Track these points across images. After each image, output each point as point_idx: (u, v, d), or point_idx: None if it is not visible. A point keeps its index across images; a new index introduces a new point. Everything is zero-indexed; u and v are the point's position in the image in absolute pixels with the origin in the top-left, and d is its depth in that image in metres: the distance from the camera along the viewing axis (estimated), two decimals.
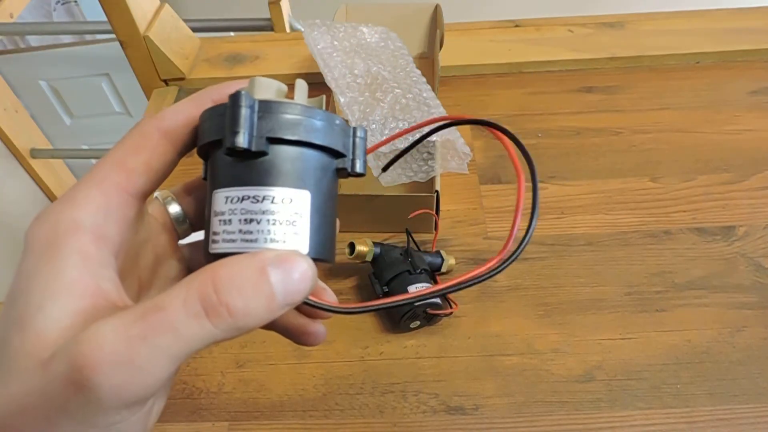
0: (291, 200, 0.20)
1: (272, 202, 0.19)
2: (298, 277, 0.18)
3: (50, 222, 0.19)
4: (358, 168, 0.22)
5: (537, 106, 0.74)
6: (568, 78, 0.78)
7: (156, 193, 0.24)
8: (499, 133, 0.22)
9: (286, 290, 0.18)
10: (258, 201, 0.19)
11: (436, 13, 0.78)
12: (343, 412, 0.49)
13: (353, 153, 0.22)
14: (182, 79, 0.81)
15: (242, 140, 0.19)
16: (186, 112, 0.21)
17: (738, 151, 0.67)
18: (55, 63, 1.39)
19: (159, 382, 0.17)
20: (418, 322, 0.52)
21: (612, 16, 0.85)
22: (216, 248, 0.20)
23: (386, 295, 0.52)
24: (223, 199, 0.20)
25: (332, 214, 0.22)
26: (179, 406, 0.50)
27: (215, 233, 0.20)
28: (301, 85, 0.22)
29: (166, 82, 0.82)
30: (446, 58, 0.78)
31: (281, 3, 1.12)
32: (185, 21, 0.85)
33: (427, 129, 0.25)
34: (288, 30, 1.15)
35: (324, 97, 0.23)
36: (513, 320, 0.53)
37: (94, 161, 1.67)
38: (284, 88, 0.22)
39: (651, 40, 0.80)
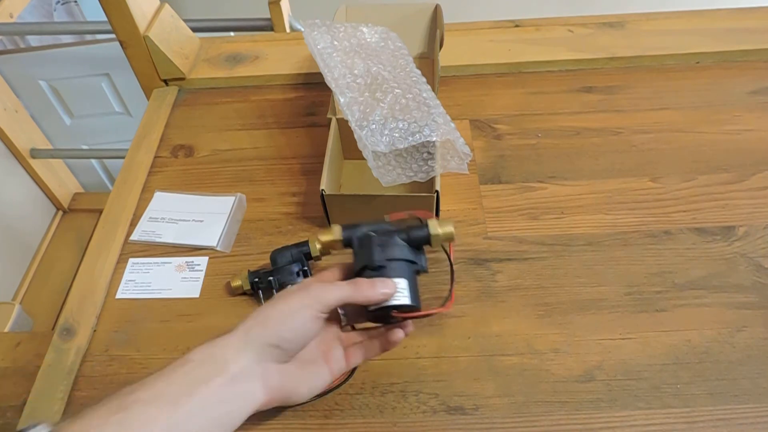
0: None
1: None
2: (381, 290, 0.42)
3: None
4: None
5: (537, 106, 0.74)
6: (568, 78, 0.78)
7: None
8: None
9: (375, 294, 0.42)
10: None
11: (436, 13, 0.78)
12: (343, 412, 0.49)
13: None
14: (182, 79, 0.81)
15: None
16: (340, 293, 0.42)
17: (738, 151, 0.67)
18: (55, 63, 1.39)
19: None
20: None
21: (612, 16, 0.85)
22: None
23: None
24: None
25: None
26: None
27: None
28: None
29: (166, 82, 0.82)
30: (446, 58, 0.78)
31: (281, 3, 1.12)
32: (185, 21, 0.85)
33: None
34: (288, 30, 1.15)
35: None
36: (513, 320, 0.53)
37: (94, 161, 1.67)
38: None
39: (651, 40, 0.80)
